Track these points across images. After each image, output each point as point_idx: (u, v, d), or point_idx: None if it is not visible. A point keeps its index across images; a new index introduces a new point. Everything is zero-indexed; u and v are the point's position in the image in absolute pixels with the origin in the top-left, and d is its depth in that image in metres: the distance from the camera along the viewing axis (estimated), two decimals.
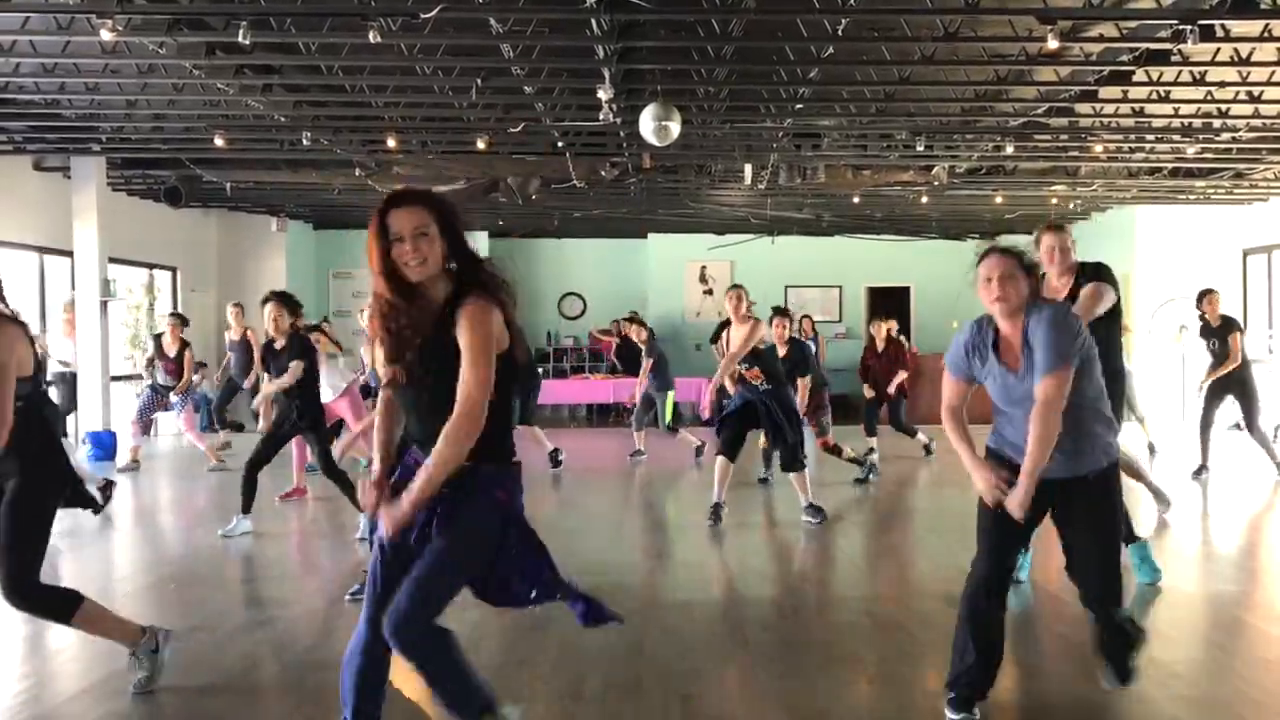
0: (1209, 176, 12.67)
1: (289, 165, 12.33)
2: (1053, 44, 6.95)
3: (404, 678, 3.09)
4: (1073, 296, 4.92)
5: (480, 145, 10.79)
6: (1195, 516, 7.87)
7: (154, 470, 11.19)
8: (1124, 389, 5.33)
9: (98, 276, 12.26)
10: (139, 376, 12.59)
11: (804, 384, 8.86)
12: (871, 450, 10.11)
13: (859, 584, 6.19)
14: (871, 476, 9.47)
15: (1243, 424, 9.52)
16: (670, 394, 11.42)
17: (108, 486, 8.21)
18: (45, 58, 8.21)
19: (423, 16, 6.77)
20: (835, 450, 9.50)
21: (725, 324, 7.95)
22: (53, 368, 11.64)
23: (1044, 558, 5.61)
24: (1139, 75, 8.44)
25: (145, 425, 11.34)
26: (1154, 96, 9.11)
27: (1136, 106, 9.47)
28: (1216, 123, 9.92)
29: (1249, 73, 8.33)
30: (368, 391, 8.99)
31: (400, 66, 8.41)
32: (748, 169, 12.00)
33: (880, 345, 11.03)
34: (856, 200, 14.26)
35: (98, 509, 4.30)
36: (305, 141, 10.42)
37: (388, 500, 2.86)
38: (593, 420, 16.77)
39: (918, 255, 18.61)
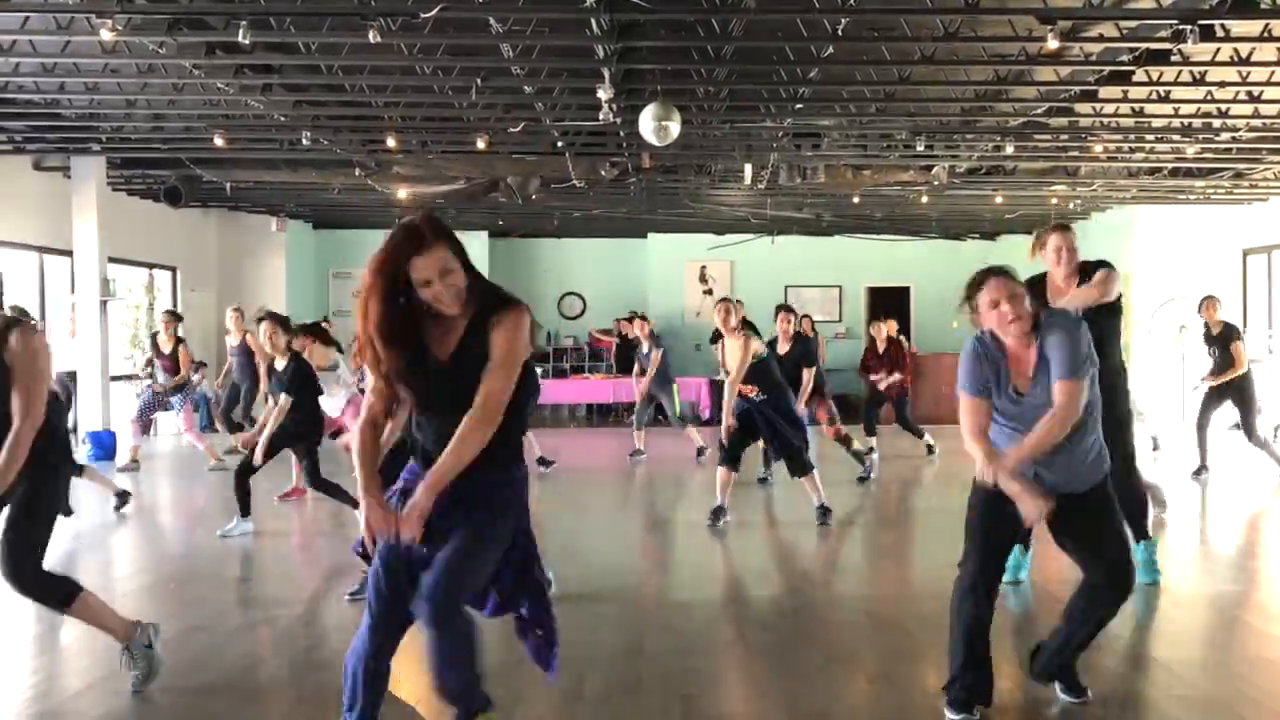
0: (1209, 176, 12.67)
1: (289, 165, 12.33)
2: (1053, 44, 6.96)
3: (400, 683, 3.10)
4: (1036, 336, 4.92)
5: (480, 145, 10.79)
6: (1195, 517, 7.87)
7: (154, 470, 11.19)
8: (1127, 385, 5.32)
9: (98, 276, 12.26)
10: (139, 376, 12.59)
11: (809, 375, 8.89)
12: (871, 450, 10.11)
13: (859, 584, 6.19)
14: (872, 474, 9.50)
15: (1241, 428, 9.52)
16: (674, 387, 11.47)
17: (124, 497, 8.28)
18: (45, 57, 8.21)
19: (422, 16, 6.77)
20: (845, 440, 9.52)
21: None
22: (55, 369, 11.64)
23: (1044, 558, 5.61)
24: (1139, 75, 8.44)
25: (145, 425, 11.34)
26: (1154, 96, 9.11)
27: (1136, 106, 9.47)
28: (1216, 123, 9.92)
29: (1249, 73, 8.33)
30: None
31: (400, 66, 8.41)
32: (748, 169, 12.00)
33: (881, 346, 11.07)
34: (856, 200, 14.26)
35: (69, 512, 4.30)
36: (305, 141, 10.42)
37: (398, 513, 2.85)
38: (593, 420, 16.77)
39: (918, 255, 18.61)
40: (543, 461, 10.34)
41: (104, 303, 12.36)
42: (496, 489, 2.94)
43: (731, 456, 7.44)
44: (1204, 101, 9.23)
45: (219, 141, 10.49)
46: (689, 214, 16.19)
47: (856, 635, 4.89)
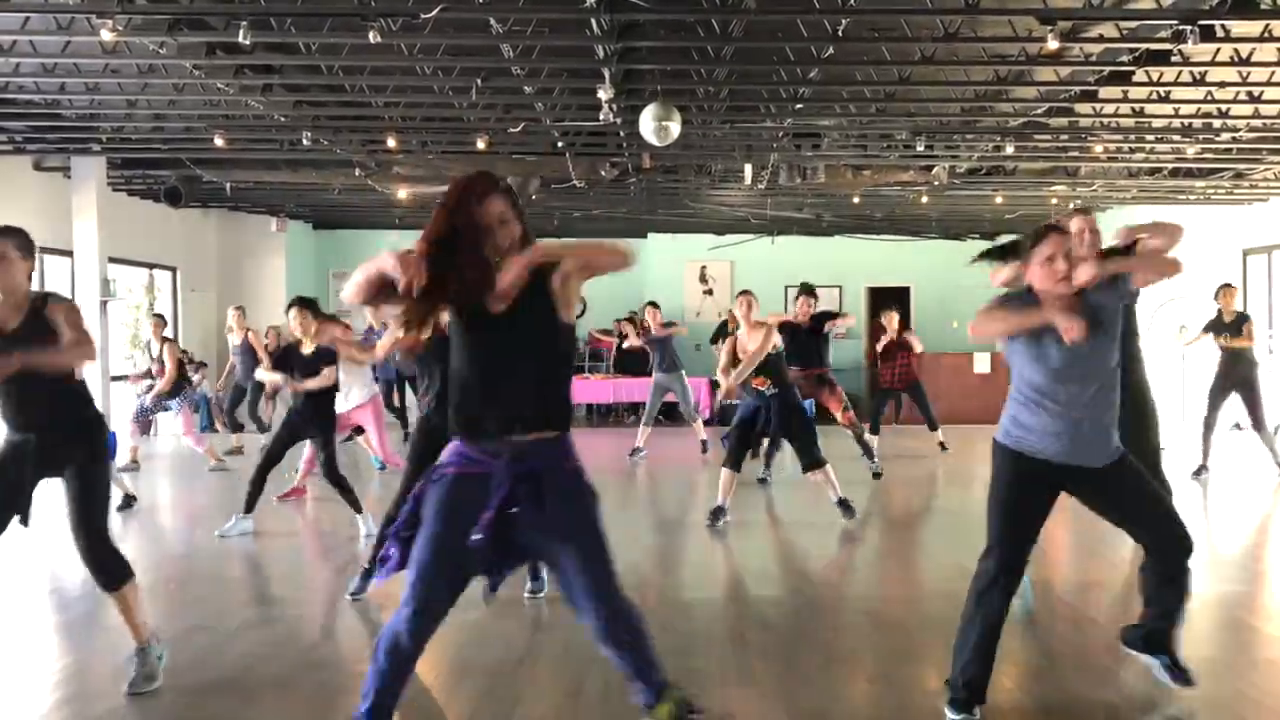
0: (1209, 177, 12.66)
1: (289, 165, 12.33)
2: (1053, 44, 6.95)
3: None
4: (1083, 300, 4.90)
5: (480, 145, 10.79)
6: (1194, 517, 7.87)
7: (154, 470, 11.19)
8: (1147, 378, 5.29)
9: (98, 276, 12.26)
10: (140, 377, 12.58)
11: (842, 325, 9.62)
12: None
13: (859, 584, 6.19)
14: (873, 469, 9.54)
15: (1243, 424, 9.52)
16: (683, 372, 11.59)
17: (129, 500, 8.35)
18: (45, 58, 8.21)
19: (423, 17, 6.77)
20: (857, 430, 9.53)
21: (725, 325, 7.98)
22: None
23: (1044, 558, 5.61)
24: (1139, 75, 8.44)
25: (145, 425, 11.33)
26: (1154, 97, 9.11)
27: (1136, 107, 9.47)
28: (1216, 123, 9.92)
29: (1249, 73, 8.33)
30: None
31: (400, 67, 8.41)
32: (748, 169, 12.00)
33: (893, 335, 11.02)
34: (856, 200, 14.26)
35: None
36: (305, 141, 10.42)
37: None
38: (593, 420, 16.77)
39: (918, 255, 18.60)
40: None
41: (104, 303, 12.36)
42: (573, 456, 3.05)
43: (735, 457, 7.46)
44: (1204, 102, 9.23)
45: (219, 142, 10.49)
46: (689, 214, 16.19)
47: (857, 635, 4.89)
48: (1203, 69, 8.39)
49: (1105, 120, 10.10)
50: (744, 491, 8.65)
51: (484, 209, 2.92)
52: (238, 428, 12.40)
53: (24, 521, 4.05)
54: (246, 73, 8.52)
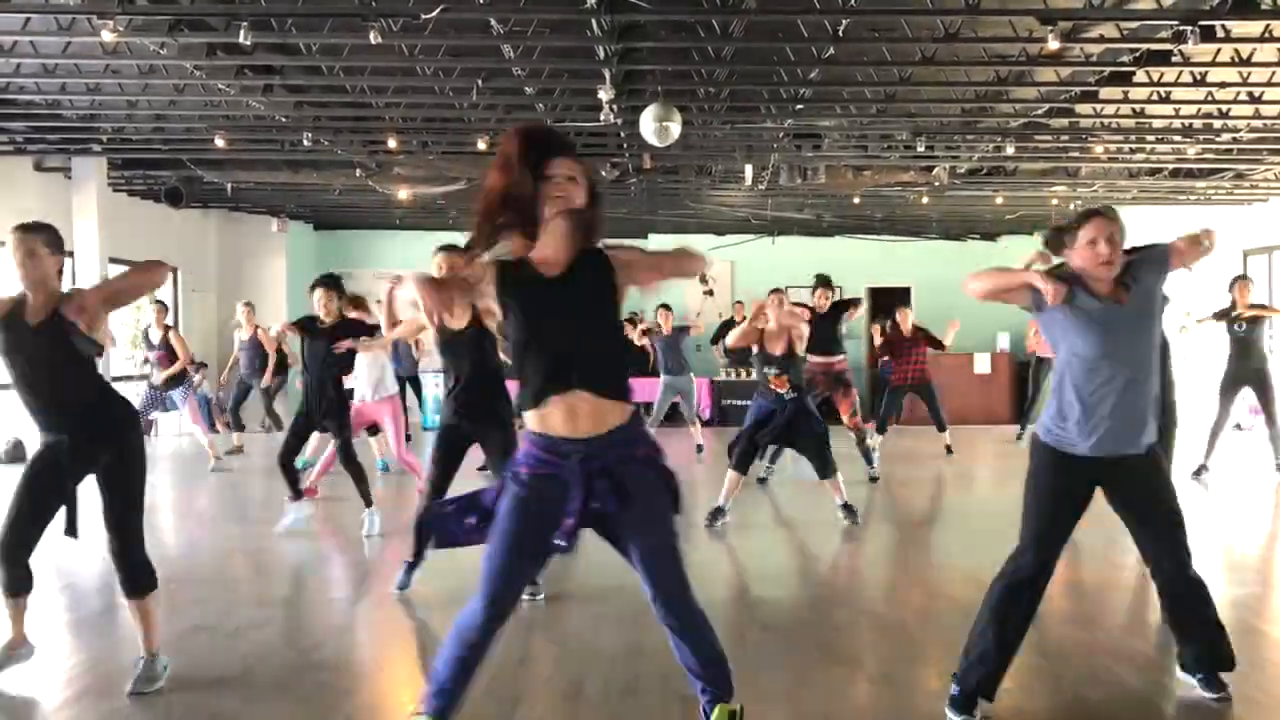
0: (1209, 177, 12.67)
1: (289, 166, 12.33)
2: (1053, 45, 6.96)
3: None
4: (1122, 281, 4.90)
5: (481, 146, 10.78)
6: (1194, 517, 7.85)
7: (154, 470, 11.15)
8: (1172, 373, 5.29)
9: (98, 277, 12.23)
10: (141, 377, 12.59)
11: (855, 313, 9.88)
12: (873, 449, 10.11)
13: (860, 584, 6.19)
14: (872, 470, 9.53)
15: (1243, 425, 9.51)
16: (691, 375, 11.67)
17: None
18: (46, 58, 8.22)
19: (423, 17, 6.77)
20: (861, 435, 9.53)
21: (727, 325, 7.98)
22: None
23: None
24: (1139, 76, 8.44)
25: (145, 425, 11.33)
26: (1154, 97, 9.11)
27: (1137, 107, 9.47)
28: (1217, 123, 9.92)
29: (1249, 73, 8.33)
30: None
31: (401, 67, 8.42)
32: (748, 169, 12.01)
33: (906, 330, 10.93)
34: (857, 201, 14.27)
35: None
36: (306, 142, 10.42)
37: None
38: None
39: (918, 255, 18.59)
40: None
41: None
42: (653, 466, 3.14)
43: (742, 459, 7.46)
44: (1204, 102, 9.23)
45: (220, 142, 10.49)
46: (689, 215, 16.19)
47: (857, 636, 4.89)
48: (1203, 69, 8.39)
49: (1106, 121, 10.10)
50: (744, 491, 8.63)
51: (561, 164, 3.01)
52: (240, 426, 12.39)
53: (71, 532, 4.05)
54: (247, 73, 8.52)
